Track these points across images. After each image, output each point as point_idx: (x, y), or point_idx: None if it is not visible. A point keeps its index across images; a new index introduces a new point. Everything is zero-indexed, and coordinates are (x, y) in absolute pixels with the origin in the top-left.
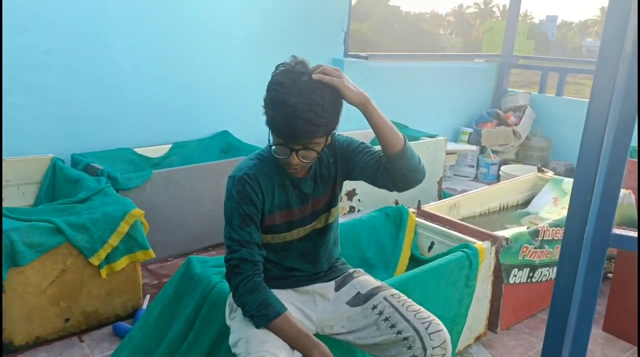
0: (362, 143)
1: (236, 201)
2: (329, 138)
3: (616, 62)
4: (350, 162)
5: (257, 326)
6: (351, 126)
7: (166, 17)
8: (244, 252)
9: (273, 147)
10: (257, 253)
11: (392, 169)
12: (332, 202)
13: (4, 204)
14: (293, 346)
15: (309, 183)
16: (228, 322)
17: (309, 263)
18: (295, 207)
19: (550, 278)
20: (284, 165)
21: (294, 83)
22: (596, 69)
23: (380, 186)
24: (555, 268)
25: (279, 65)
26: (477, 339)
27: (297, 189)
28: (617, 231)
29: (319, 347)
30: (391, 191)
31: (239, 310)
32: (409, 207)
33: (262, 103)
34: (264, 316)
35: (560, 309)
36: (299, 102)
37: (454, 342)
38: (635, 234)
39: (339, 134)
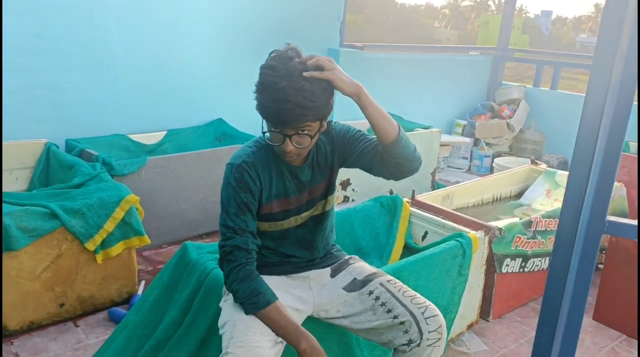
0: (359, 131)
1: (234, 188)
2: (324, 124)
3: (612, 57)
4: (347, 149)
5: (247, 313)
6: (347, 116)
7: (161, 3)
8: (238, 239)
9: (267, 135)
10: (251, 242)
11: (388, 158)
12: (329, 189)
13: None
14: (281, 336)
15: (307, 171)
16: (221, 304)
17: (306, 250)
18: (293, 195)
19: (543, 268)
20: (280, 154)
21: (285, 66)
22: (592, 64)
23: (376, 174)
24: (547, 258)
25: (272, 51)
26: (470, 327)
27: (294, 177)
28: (611, 218)
29: (306, 338)
30: (387, 179)
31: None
32: (403, 197)
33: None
34: (255, 304)
35: (553, 296)
36: (288, 86)
37: (447, 330)
38: (628, 221)
39: (335, 122)
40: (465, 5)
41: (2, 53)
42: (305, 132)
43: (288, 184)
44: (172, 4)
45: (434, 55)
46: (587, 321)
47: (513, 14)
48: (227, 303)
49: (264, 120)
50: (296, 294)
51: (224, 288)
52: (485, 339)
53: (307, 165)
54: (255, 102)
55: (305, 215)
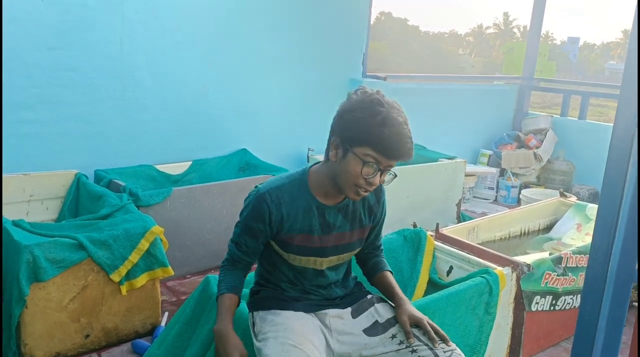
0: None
1: (249, 212)
2: None
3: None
4: (375, 224)
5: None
6: None
7: (186, 37)
8: (234, 253)
9: (355, 161)
10: (242, 258)
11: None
12: (357, 243)
13: (28, 219)
14: None
15: (335, 213)
16: (257, 344)
17: (323, 289)
18: (316, 234)
19: (574, 306)
20: (357, 187)
21: (390, 105)
22: (620, 93)
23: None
24: (579, 296)
25: (356, 90)
26: None
27: (321, 216)
28: None
29: (223, 323)
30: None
31: (267, 327)
32: (427, 230)
33: (344, 114)
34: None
35: (584, 344)
36: (404, 122)
37: None
38: None
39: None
40: (489, 33)
41: (2, 63)
42: (392, 170)
43: (314, 222)
44: (197, 37)
45: (458, 85)
46: None
47: (538, 43)
48: (268, 343)
49: (361, 148)
50: (315, 331)
51: (251, 325)
52: None
53: (336, 207)
54: (283, 136)
55: (326, 260)
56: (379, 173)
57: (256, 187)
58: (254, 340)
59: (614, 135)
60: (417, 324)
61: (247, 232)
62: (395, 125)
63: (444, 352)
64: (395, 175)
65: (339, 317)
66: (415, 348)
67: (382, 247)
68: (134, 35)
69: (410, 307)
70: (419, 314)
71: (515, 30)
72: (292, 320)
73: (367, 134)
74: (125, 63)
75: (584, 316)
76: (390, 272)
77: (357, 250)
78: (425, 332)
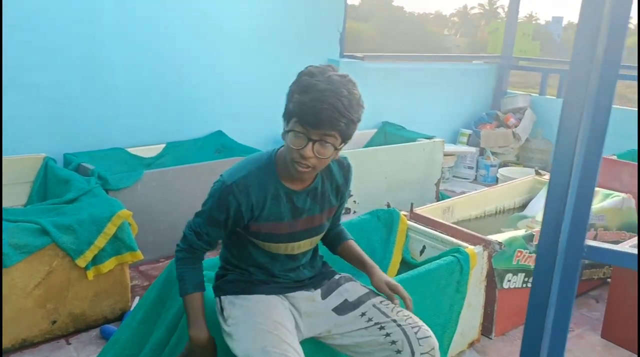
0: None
1: (214, 203)
2: (342, 147)
3: (588, 67)
4: (341, 202)
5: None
6: None
7: (160, 16)
8: (194, 241)
9: (290, 135)
10: (203, 247)
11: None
12: (327, 223)
13: None
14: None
15: (304, 197)
16: (228, 329)
17: (292, 272)
18: (286, 220)
19: None
20: (294, 162)
21: (324, 75)
22: (570, 71)
23: None
24: None
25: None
26: (471, 345)
27: (290, 202)
28: (590, 242)
29: (197, 327)
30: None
31: (237, 312)
32: (400, 210)
33: (287, 92)
34: (180, 288)
35: (535, 324)
36: (329, 89)
37: (445, 348)
38: (608, 246)
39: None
40: (474, 13)
41: (2, 69)
42: (329, 143)
43: (282, 208)
44: (170, 17)
45: (438, 65)
46: (596, 339)
47: (516, 22)
48: (239, 327)
49: (292, 122)
50: (286, 314)
51: (219, 311)
52: None
53: (305, 191)
54: (258, 117)
55: (296, 245)
56: (310, 144)
57: (221, 176)
58: (223, 325)
59: (563, 113)
60: (394, 289)
61: (211, 223)
62: (314, 92)
63: (412, 328)
64: (337, 149)
65: (310, 300)
66: (382, 325)
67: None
68: (103, 15)
69: (383, 274)
70: (392, 280)
71: (500, 10)
72: (263, 304)
73: (291, 105)
74: (94, 44)
75: (535, 300)
76: (353, 240)
77: (325, 231)
78: (403, 299)
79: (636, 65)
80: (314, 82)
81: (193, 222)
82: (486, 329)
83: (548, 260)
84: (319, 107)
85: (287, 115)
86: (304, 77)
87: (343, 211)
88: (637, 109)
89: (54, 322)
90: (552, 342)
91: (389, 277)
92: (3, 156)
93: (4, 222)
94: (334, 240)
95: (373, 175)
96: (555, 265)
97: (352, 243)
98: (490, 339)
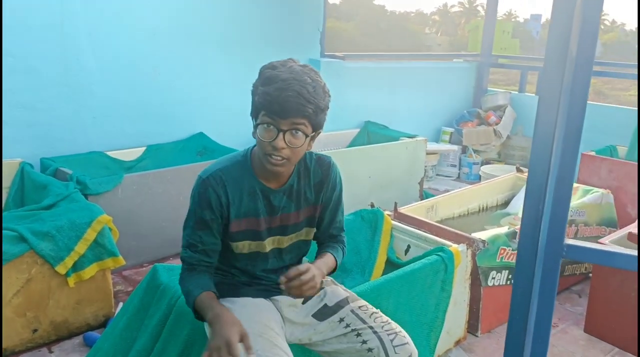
0: (342, 204)
1: (196, 202)
2: (314, 136)
3: (562, 64)
4: (325, 204)
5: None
6: (330, 127)
7: (135, 18)
8: (191, 257)
9: (259, 129)
10: (203, 260)
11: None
12: (305, 222)
13: None
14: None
15: (280, 196)
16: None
17: (274, 274)
18: (262, 216)
19: None
20: (267, 156)
21: (286, 66)
22: (543, 68)
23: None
24: None
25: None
26: (457, 343)
27: (266, 198)
28: (569, 241)
29: (212, 310)
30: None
31: None
32: (384, 210)
33: (251, 90)
34: (189, 302)
35: (518, 321)
36: (291, 78)
37: (432, 347)
38: (587, 244)
39: (334, 164)
40: (454, 11)
41: (2, 59)
42: (300, 131)
43: (259, 205)
44: (145, 18)
45: (418, 64)
46: (579, 333)
47: (495, 20)
48: None
49: (260, 116)
50: (274, 317)
51: None
52: (473, 354)
53: (281, 190)
54: (240, 118)
55: (271, 240)
56: (280, 134)
57: (198, 176)
58: (208, 328)
59: (539, 110)
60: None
61: (200, 226)
62: (277, 81)
63: (388, 335)
64: (308, 137)
65: (292, 305)
66: (359, 332)
67: (340, 237)
68: (75, 17)
69: (315, 264)
70: (306, 265)
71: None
72: (250, 308)
73: (257, 98)
74: (67, 47)
75: (516, 299)
76: (332, 254)
77: (305, 230)
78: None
79: (636, 64)
80: (276, 74)
81: (183, 239)
82: (472, 327)
83: (528, 259)
84: (284, 95)
85: (255, 111)
86: (266, 71)
87: (340, 216)
88: (637, 108)
89: (35, 330)
90: (535, 338)
91: (314, 266)
92: None
93: None
94: (317, 254)
95: (357, 175)
96: (536, 263)
97: (325, 253)
98: (477, 336)
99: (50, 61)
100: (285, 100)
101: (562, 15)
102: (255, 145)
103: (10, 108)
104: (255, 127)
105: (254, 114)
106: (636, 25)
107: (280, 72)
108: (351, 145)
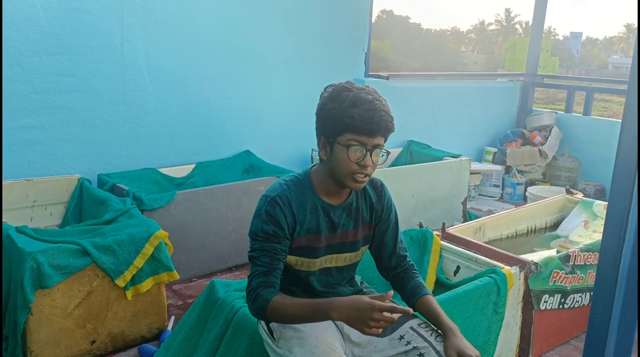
0: (398, 224)
1: (263, 220)
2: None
3: None
4: (384, 228)
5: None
6: None
7: (188, 40)
8: (261, 280)
9: (347, 150)
10: (274, 277)
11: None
12: (362, 241)
13: (32, 225)
14: (310, 319)
15: (340, 212)
16: (279, 351)
17: (332, 291)
18: (324, 233)
19: (584, 304)
20: (352, 175)
21: (358, 87)
22: (628, 88)
23: (375, 261)
24: (588, 294)
25: (327, 87)
26: None
27: (327, 215)
28: None
29: (331, 306)
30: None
31: (289, 333)
32: (433, 230)
33: (322, 112)
34: (259, 307)
35: (596, 346)
36: (374, 99)
37: None
38: None
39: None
40: (491, 29)
41: (2, 59)
42: (383, 149)
43: (321, 222)
44: (198, 39)
45: (461, 83)
46: None
47: (540, 39)
48: (293, 352)
49: (343, 137)
50: (337, 336)
51: (272, 335)
52: None
53: (341, 207)
54: (286, 137)
55: (330, 258)
56: (368, 154)
57: (263, 195)
58: (273, 346)
59: (622, 135)
60: None
61: (270, 237)
62: (365, 103)
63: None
64: (388, 153)
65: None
66: (422, 351)
67: (408, 258)
68: (134, 39)
69: (459, 339)
70: (469, 349)
71: (518, 26)
72: (314, 326)
73: (341, 120)
74: (125, 67)
75: (595, 318)
76: (430, 294)
77: (363, 249)
78: None
79: None
80: (361, 96)
81: (251, 264)
82: (523, 351)
83: (608, 284)
84: (377, 116)
85: (334, 132)
86: (345, 93)
87: (402, 236)
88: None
89: (94, 342)
90: None
91: (465, 343)
92: (38, 178)
93: (44, 243)
94: (410, 293)
95: (400, 194)
96: (616, 289)
97: (429, 298)
98: None
99: (109, 81)
100: (379, 120)
101: None
102: (312, 166)
103: (70, 125)
104: (333, 146)
105: (333, 135)
106: None
107: (363, 94)
108: (394, 164)
